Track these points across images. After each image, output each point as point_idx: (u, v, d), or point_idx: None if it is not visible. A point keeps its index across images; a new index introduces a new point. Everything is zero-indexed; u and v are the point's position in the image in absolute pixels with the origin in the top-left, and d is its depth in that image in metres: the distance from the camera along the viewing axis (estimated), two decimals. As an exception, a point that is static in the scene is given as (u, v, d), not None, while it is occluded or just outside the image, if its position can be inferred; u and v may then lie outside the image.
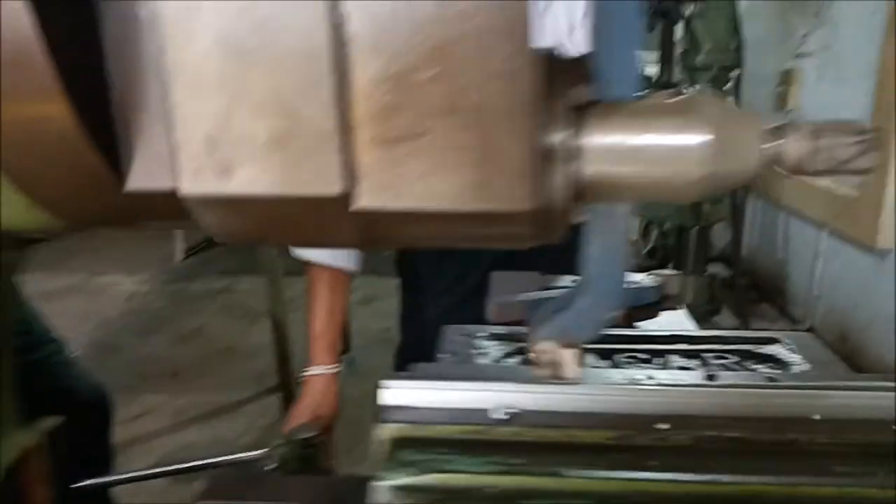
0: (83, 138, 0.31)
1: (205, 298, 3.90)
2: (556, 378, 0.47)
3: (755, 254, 4.03)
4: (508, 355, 0.66)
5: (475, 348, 0.67)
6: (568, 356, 0.47)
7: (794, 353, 0.64)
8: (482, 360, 0.65)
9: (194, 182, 0.30)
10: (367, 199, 0.30)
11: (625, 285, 0.44)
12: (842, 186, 2.90)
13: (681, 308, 0.94)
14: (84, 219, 0.37)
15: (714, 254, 4.04)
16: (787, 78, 3.47)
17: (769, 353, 0.66)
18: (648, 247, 4.00)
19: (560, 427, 0.47)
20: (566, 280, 1.10)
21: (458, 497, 0.43)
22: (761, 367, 0.63)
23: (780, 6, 3.40)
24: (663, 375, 0.55)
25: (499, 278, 1.14)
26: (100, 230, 0.41)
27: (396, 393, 0.50)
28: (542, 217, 0.31)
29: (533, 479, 0.44)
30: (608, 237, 0.43)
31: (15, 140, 0.31)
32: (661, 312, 0.98)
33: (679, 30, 3.18)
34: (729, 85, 3.12)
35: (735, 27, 2.94)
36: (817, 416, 0.48)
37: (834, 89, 2.98)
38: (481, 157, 0.29)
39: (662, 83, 4.05)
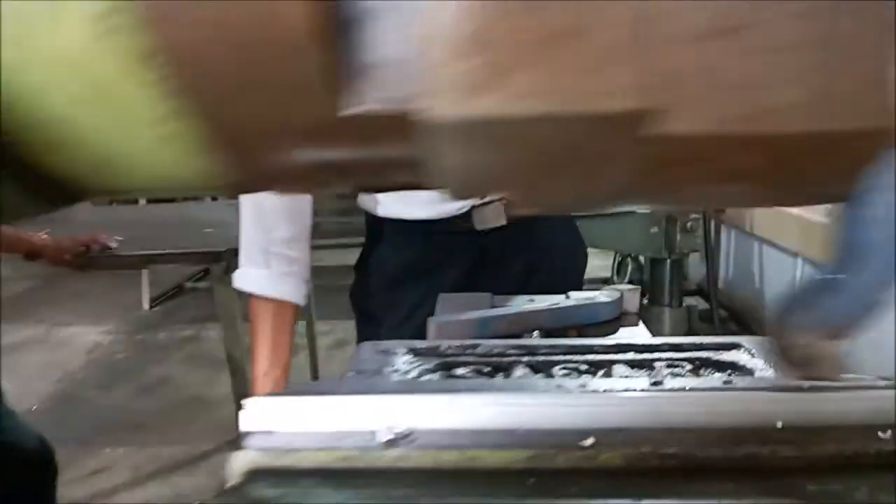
0: (313, 36, 0.22)
1: (171, 347, 3.78)
2: (815, 379, 0.36)
3: (732, 285, 3.99)
4: (426, 372, 0.56)
5: (389, 365, 0.57)
6: (833, 350, 0.36)
7: (757, 357, 0.55)
8: (391, 378, 0.55)
9: (448, 99, 0.21)
10: (679, 120, 0.21)
11: None
12: (814, 214, 2.87)
13: (639, 325, 0.85)
14: (265, 169, 0.27)
15: (691, 287, 3.99)
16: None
17: (729, 359, 0.56)
18: (625, 280, 3.95)
19: (459, 448, 0.37)
20: (521, 301, 1.01)
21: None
22: (718, 375, 0.54)
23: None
24: (600, 385, 0.46)
25: (446, 299, 1.05)
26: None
27: (259, 414, 0.40)
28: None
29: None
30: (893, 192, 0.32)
31: (214, 46, 0.21)
32: (619, 329, 0.89)
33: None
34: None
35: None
36: (780, 424, 0.39)
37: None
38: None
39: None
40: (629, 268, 4.00)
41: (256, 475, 0.37)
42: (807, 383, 0.40)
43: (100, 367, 3.62)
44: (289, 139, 0.25)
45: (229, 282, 2.42)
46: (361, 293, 1.53)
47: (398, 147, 0.25)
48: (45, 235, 2.05)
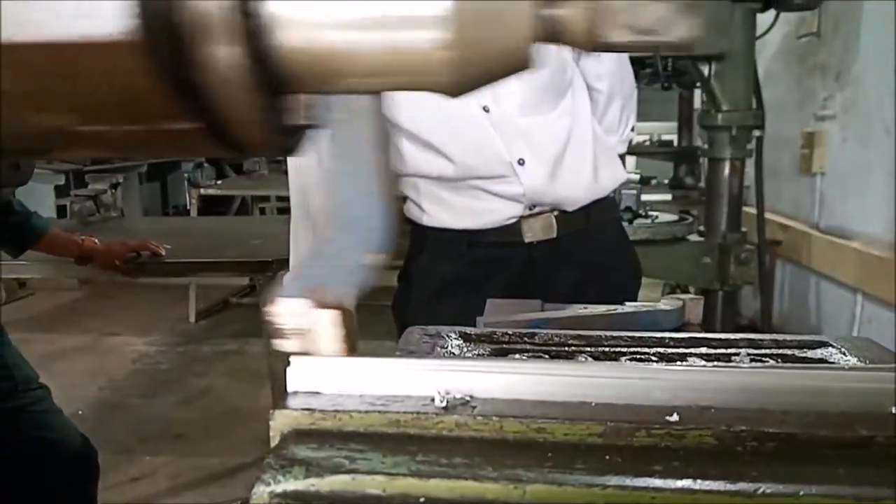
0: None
1: (214, 360, 3.81)
2: (308, 353, 0.33)
3: (787, 320, 3.84)
4: (479, 357, 0.52)
5: (440, 347, 0.53)
6: (324, 320, 0.33)
7: (849, 354, 0.49)
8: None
9: None
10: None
11: (383, 214, 0.31)
12: (874, 247, 2.75)
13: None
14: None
15: (744, 322, 3.85)
16: (810, 140, 3.39)
17: (817, 356, 0.50)
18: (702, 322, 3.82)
19: (526, 418, 0.33)
20: (574, 308, 0.97)
21: (365, 508, 0.29)
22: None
23: (800, 70, 3.37)
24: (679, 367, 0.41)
25: (495, 304, 1.01)
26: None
27: (308, 373, 0.37)
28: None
29: (479, 486, 0.30)
30: (349, 148, 0.30)
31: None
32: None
33: (697, 94, 3.16)
34: (750, 146, 3.05)
35: (754, 88, 2.88)
36: (894, 409, 0.33)
37: (859, 149, 2.88)
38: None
39: (683, 147, 3.99)
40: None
41: (299, 436, 0.34)
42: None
43: (144, 376, 3.66)
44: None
45: (273, 293, 2.43)
46: (404, 304, 1.50)
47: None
48: (96, 241, 2.08)
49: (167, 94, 0.24)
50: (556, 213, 1.46)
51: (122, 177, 3.41)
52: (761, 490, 0.29)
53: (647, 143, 4.50)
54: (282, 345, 0.37)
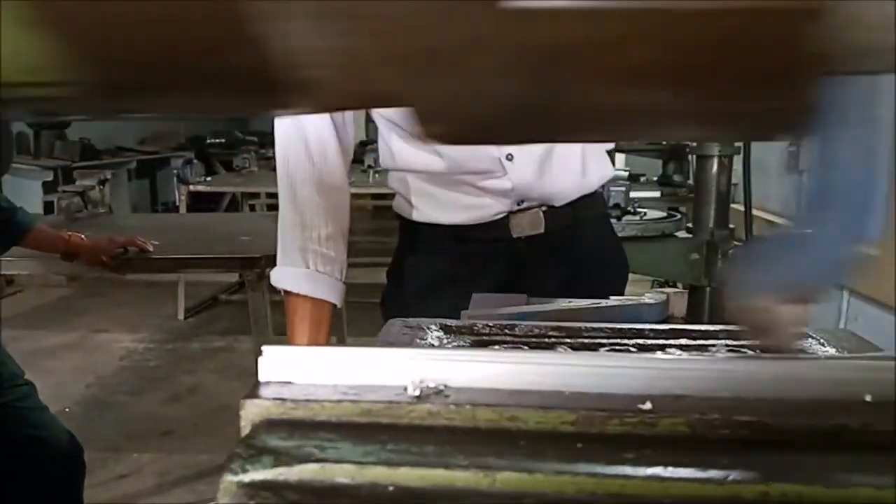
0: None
1: (202, 357, 3.79)
2: (772, 348, 0.30)
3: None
4: (459, 349, 0.51)
5: (419, 339, 0.52)
6: (792, 316, 0.30)
7: (828, 346, 0.49)
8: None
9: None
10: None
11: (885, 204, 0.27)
12: (861, 245, 2.76)
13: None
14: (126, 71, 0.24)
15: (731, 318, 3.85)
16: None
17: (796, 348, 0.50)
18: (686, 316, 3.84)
19: (499, 407, 0.33)
20: (558, 302, 0.97)
21: (334, 497, 0.29)
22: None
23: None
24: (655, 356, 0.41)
25: (480, 298, 1.01)
26: None
27: (278, 364, 0.36)
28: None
29: (449, 474, 0.29)
30: (867, 129, 0.27)
31: None
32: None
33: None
34: (738, 143, 3.05)
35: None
36: (868, 397, 0.33)
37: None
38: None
39: (672, 144, 4.00)
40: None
41: (270, 426, 0.33)
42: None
43: (132, 373, 3.64)
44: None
45: (263, 289, 2.42)
46: (393, 299, 1.49)
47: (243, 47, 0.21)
48: (83, 237, 2.07)
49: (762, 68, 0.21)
50: (543, 208, 1.46)
51: (111, 173, 3.38)
52: (731, 477, 0.28)
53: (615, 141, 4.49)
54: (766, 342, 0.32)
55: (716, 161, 3.06)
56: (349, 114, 1.33)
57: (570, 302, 0.94)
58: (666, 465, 0.29)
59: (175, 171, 4.50)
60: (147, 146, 5.88)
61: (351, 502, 0.28)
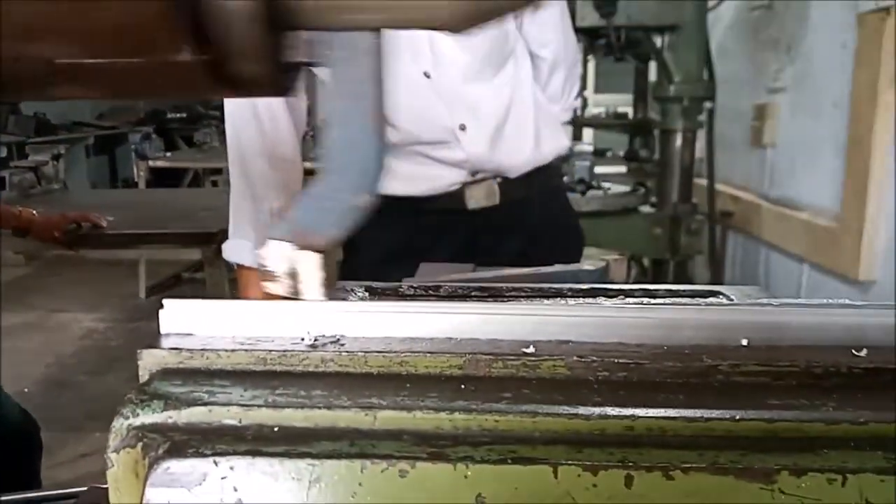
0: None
1: (165, 336, 3.75)
2: (294, 296, 0.33)
3: (738, 289, 3.91)
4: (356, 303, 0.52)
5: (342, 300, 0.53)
6: (308, 262, 0.33)
7: (735, 299, 0.51)
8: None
9: None
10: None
11: (378, 156, 0.31)
12: (821, 219, 2.83)
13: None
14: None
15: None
16: (762, 113, 3.45)
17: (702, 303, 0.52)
18: (630, 283, 3.90)
19: (390, 353, 0.34)
20: (503, 271, 0.98)
21: (220, 437, 0.30)
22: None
23: (753, 43, 3.42)
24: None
25: (427, 268, 1.02)
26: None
27: (179, 316, 0.37)
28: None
29: (332, 414, 0.31)
30: (349, 84, 0.30)
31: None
32: (601, 297, 0.85)
33: (653, 67, 3.20)
34: (701, 117, 3.09)
35: (706, 60, 2.93)
36: (745, 342, 0.35)
37: (809, 122, 2.95)
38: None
39: (638, 120, 4.04)
40: (633, 270, 3.96)
41: (166, 374, 0.34)
42: (777, 302, 0.36)
43: (93, 353, 3.60)
44: None
45: (221, 265, 2.39)
46: (349, 273, 1.49)
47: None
48: (34, 212, 2.03)
49: (172, 25, 0.23)
50: (498, 179, 1.47)
51: (64, 148, 3.30)
52: (598, 413, 0.30)
53: (603, 115, 4.53)
54: (269, 287, 0.36)
55: (679, 135, 3.09)
56: (301, 87, 1.32)
57: (514, 270, 0.95)
58: (539, 402, 0.31)
59: (133, 147, 4.41)
60: (105, 121, 5.74)
61: (236, 442, 0.29)
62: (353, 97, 0.31)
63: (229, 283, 2.30)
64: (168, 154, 4.10)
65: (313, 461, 0.28)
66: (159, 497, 0.27)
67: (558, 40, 1.49)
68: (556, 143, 1.54)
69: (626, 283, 0.90)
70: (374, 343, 0.35)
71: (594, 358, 0.33)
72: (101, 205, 2.47)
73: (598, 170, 3.51)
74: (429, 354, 0.34)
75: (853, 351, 0.34)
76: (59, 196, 2.83)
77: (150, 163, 3.74)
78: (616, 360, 0.33)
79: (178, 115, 5.50)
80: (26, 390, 3.12)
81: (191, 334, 0.36)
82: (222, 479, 0.28)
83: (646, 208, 3.37)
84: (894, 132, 2.79)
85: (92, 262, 4.32)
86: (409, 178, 1.42)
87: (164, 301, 0.37)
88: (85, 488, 0.77)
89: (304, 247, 0.33)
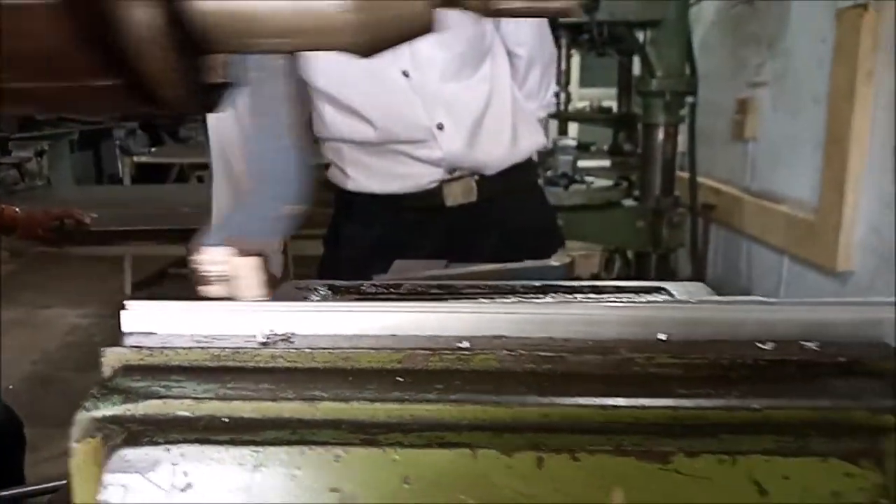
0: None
1: (152, 331, 3.75)
2: (233, 297, 0.36)
3: (720, 282, 3.98)
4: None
5: (306, 299, 0.56)
6: (246, 266, 0.36)
7: (678, 295, 0.54)
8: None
9: None
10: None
11: (297, 168, 0.34)
12: (801, 211, 2.88)
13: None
14: None
15: (680, 283, 3.96)
16: (743, 107, 3.49)
17: (649, 300, 0.56)
18: (612, 276, 3.95)
19: (335, 349, 0.37)
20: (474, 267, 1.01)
21: (173, 427, 0.33)
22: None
23: (734, 38, 3.45)
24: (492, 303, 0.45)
25: (401, 265, 1.05)
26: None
27: (141, 316, 0.40)
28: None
29: (277, 406, 0.33)
30: (265, 105, 0.33)
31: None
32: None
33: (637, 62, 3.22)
34: (684, 112, 3.12)
35: (688, 55, 2.95)
36: (663, 336, 0.38)
37: (789, 117, 2.99)
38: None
39: (622, 114, 4.07)
40: (617, 263, 3.99)
41: (127, 370, 0.37)
42: (695, 300, 0.39)
43: (78, 349, 3.60)
44: None
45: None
46: (330, 268, 1.51)
47: None
48: (17, 209, 2.03)
49: (86, 52, 0.25)
50: (475, 177, 1.49)
51: (48, 144, 3.30)
52: (519, 402, 0.33)
53: (588, 109, 4.57)
54: (207, 291, 0.39)
55: (662, 129, 3.13)
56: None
57: (483, 266, 0.98)
58: (468, 392, 0.34)
59: (117, 143, 4.40)
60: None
61: (188, 431, 0.32)
62: (270, 115, 0.33)
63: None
64: (153, 150, 4.10)
65: (257, 448, 0.31)
66: (116, 481, 0.30)
67: (534, 38, 1.51)
68: (532, 140, 1.56)
69: (600, 277, 0.93)
70: (322, 340, 0.38)
71: (522, 352, 0.36)
72: (85, 201, 2.48)
73: (583, 164, 3.54)
74: (372, 350, 0.37)
75: (760, 344, 0.37)
76: (42, 193, 2.83)
77: (135, 158, 3.74)
78: (541, 354, 0.36)
79: (164, 110, 5.45)
80: (11, 387, 3.12)
81: (152, 333, 0.39)
82: (174, 464, 0.31)
83: (629, 202, 3.40)
84: (871, 126, 2.84)
85: (78, 259, 4.31)
86: (388, 176, 1.45)
87: (126, 302, 0.40)
88: (65, 482, 0.79)
89: (240, 252, 0.36)
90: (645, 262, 3.49)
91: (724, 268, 3.94)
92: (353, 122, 1.39)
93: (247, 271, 0.36)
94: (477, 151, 1.43)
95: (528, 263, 0.95)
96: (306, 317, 0.39)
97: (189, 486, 0.31)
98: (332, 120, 1.40)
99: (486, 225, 1.50)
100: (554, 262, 0.95)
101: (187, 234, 2.09)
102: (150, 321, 0.39)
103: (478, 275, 0.90)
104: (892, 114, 2.73)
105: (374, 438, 0.31)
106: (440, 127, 1.39)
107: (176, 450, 0.31)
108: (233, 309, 0.40)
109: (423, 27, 0.28)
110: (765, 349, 0.37)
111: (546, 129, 1.86)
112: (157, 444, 0.31)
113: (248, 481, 0.30)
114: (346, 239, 1.52)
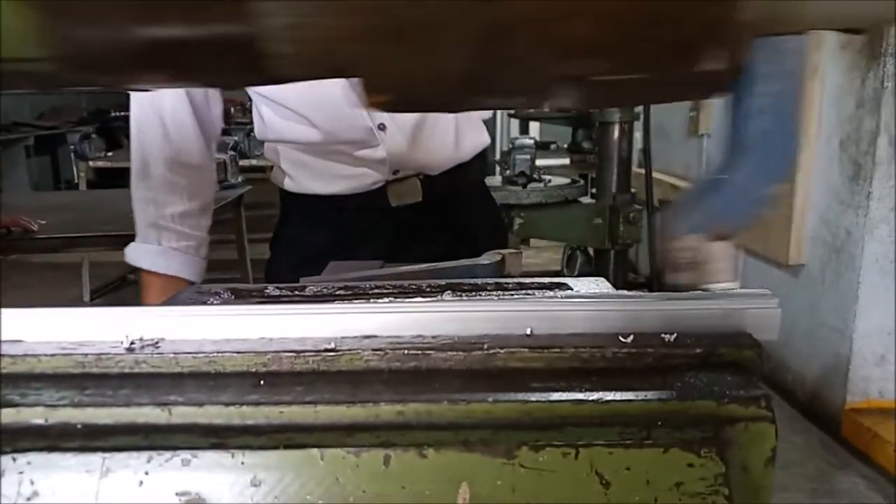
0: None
1: (111, 338, 3.69)
2: (704, 283, 0.35)
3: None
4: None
5: (205, 304, 0.56)
6: (720, 252, 0.34)
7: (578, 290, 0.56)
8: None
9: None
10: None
11: (794, 146, 0.33)
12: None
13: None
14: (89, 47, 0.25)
15: (640, 280, 4.04)
16: (698, 103, 3.55)
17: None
18: (574, 273, 3.99)
19: (200, 354, 0.37)
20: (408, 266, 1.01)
21: (27, 436, 0.32)
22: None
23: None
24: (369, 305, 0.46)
25: (335, 266, 1.05)
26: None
27: (10, 324, 0.39)
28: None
29: (131, 411, 0.33)
30: (778, 83, 0.32)
31: None
32: (493, 290, 0.89)
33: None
34: (638, 108, 3.17)
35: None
36: (529, 331, 0.39)
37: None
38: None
39: (579, 112, 4.10)
40: (578, 260, 4.04)
41: (-12, 380, 0.36)
42: (563, 294, 0.40)
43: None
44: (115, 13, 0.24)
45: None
46: (275, 272, 1.50)
47: (229, 23, 0.24)
48: (-38, 218, 1.99)
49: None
50: (420, 177, 1.49)
51: (1, 149, 3.22)
52: (373, 400, 0.34)
53: (546, 108, 4.60)
54: (677, 277, 0.37)
55: (616, 127, 3.16)
56: (213, 91, 1.32)
57: (414, 266, 0.99)
58: (327, 392, 0.34)
59: (72, 147, 4.32)
60: (45, 121, 5.59)
61: (38, 439, 0.32)
62: (779, 93, 0.32)
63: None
64: (109, 154, 4.03)
65: (105, 454, 0.31)
66: (-41, 492, 0.30)
67: None
68: (476, 139, 1.57)
69: (562, 273, 0.95)
70: (188, 345, 0.38)
71: (388, 350, 0.37)
72: (38, 207, 2.42)
73: (542, 162, 3.57)
74: (236, 354, 0.37)
75: (622, 338, 0.38)
76: (-9, 200, 2.76)
77: (91, 163, 3.67)
78: (406, 352, 0.37)
79: (123, 112, 5.38)
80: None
81: (20, 341, 0.39)
82: (20, 473, 0.30)
83: (586, 199, 3.44)
84: (818, 121, 2.91)
85: (35, 266, 4.22)
86: (331, 177, 1.44)
87: (-4, 311, 0.40)
88: None
89: (716, 237, 0.34)
90: (603, 259, 3.54)
91: (684, 262, 3.99)
92: (294, 125, 1.38)
93: (721, 256, 0.34)
94: (420, 151, 1.43)
95: (460, 262, 0.96)
96: (178, 322, 0.39)
97: (35, 493, 0.30)
98: (270, 122, 1.38)
99: (432, 226, 1.50)
100: (485, 259, 0.96)
101: (131, 239, 2.05)
102: (19, 329, 0.39)
103: (409, 274, 0.90)
104: (838, 108, 2.80)
105: (223, 442, 0.31)
106: (382, 127, 1.39)
107: (22, 458, 0.31)
108: (102, 315, 0.40)
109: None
110: (625, 342, 0.38)
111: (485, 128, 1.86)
112: (3, 453, 0.31)
113: (96, 487, 0.30)
114: (291, 241, 1.51)
